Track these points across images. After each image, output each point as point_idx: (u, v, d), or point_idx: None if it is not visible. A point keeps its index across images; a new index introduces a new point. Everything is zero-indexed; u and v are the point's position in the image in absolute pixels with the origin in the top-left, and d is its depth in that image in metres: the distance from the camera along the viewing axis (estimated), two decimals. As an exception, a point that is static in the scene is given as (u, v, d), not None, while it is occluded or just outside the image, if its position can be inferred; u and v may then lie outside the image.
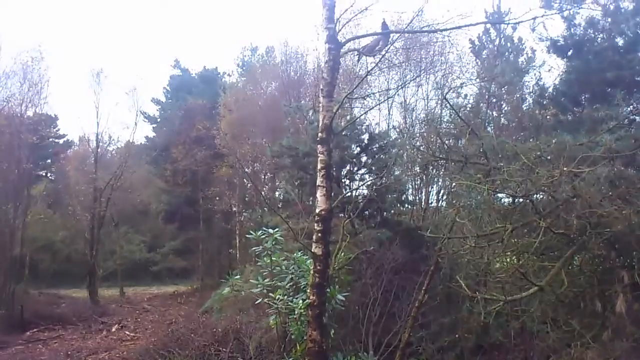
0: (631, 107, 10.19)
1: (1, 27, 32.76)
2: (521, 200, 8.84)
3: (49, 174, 52.39)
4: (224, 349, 16.54)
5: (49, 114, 45.36)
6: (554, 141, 8.63)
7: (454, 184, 11.41)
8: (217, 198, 43.12)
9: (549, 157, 8.77)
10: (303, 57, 36.26)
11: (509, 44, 24.66)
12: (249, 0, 76.58)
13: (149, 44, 78.36)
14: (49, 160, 51.88)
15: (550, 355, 10.73)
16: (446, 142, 12.22)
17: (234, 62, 56.70)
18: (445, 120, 21.04)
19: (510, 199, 9.28)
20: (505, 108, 23.47)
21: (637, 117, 10.83)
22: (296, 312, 10.90)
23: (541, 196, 9.11)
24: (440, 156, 11.11)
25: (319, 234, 10.26)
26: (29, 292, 34.25)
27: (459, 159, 9.75)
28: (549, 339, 10.34)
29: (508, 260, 10.11)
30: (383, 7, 11.79)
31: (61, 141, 53.10)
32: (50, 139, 50.27)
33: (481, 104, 22.28)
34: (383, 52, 12.90)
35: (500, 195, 9.17)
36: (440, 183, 21.19)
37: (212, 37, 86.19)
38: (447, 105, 14.86)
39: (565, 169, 7.63)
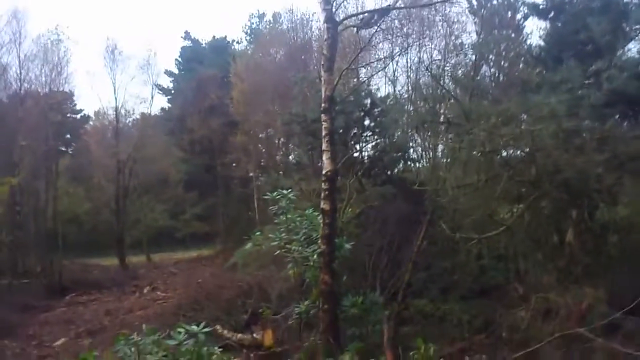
0: (583, 70, 11.26)
1: (24, 15, 34.43)
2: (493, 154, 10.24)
3: (69, 149, 53.93)
4: (249, 300, 18.39)
5: (65, 90, 46.67)
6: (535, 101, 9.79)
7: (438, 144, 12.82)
8: (234, 164, 44.60)
9: (523, 117, 10.08)
10: (308, 24, 37.11)
11: (506, 1, 25.40)
12: (253, -35, 76.30)
13: (160, 17, 78.95)
14: (68, 136, 53.20)
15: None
16: (432, 106, 13.50)
17: (242, 30, 57.54)
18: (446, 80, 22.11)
19: (481, 154, 10.60)
20: (504, 64, 24.39)
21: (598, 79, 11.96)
22: (310, 260, 12.51)
23: (510, 151, 10.50)
24: (427, 119, 12.42)
25: (326, 192, 11.76)
26: (62, 262, 36.43)
27: (442, 121, 11.13)
28: (527, 275, 11.89)
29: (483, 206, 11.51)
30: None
31: (78, 116, 54.40)
32: (68, 115, 51.57)
33: (482, 62, 23.17)
34: (378, 25, 14.11)
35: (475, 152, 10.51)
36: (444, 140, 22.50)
37: (220, 5, 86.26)
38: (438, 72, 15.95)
39: (523, 127, 8.98)
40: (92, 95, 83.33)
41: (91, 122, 54.59)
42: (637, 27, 12.33)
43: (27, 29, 35.59)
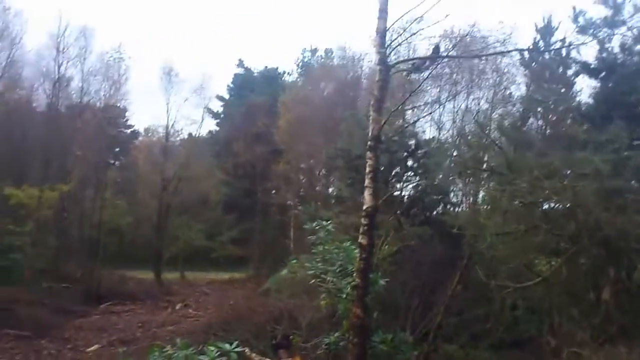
0: (630, 132, 11.36)
1: (91, 32, 36.78)
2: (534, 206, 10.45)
3: (116, 162, 55.68)
4: (279, 326, 18.65)
5: (121, 105, 48.62)
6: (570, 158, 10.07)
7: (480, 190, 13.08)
8: (274, 191, 45.34)
9: (566, 172, 10.29)
10: (359, 62, 38.03)
11: (558, 57, 25.63)
12: (310, 2, 78.83)
13: (216, 43, 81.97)
14: (117, 149, 54.88)
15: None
16: (476, 153, 13.85)
17: (294, 63, 59.29)
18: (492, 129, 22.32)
19: (522, 205, 10.82)
20: (552, 118, 24.45)
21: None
22: (344, 292, 12.76)
23: (551, 204, 10.70)
24: (471, 165, 12.75)
25: (365, 227, 12.01)
26: (101, 271, 37.48)
27: (485, 169, 11.43)
28: (561, 328, 11.86)
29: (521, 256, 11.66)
30: (431, 31, 13.21)
31: (129, 131, 56.20)
32: (120, 130, 53.42)
33: (529, 114, 23.29)
34: (429, 71, 14.57)
35: (515, 202, 10.75)
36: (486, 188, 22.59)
37: (274, 37, 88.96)
38: (486, 120, 16.30)
39: (565, 182, 9.20)
40: (143, 112, 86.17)
41: (140, 138, 56.59)
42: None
43: (92, 46, 37.83)
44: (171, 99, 44.40)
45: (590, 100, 16.10)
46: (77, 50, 36.77)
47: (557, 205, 10.72)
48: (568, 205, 9.55)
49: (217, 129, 56.78)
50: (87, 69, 37.37)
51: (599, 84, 15.21)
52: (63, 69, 36.17)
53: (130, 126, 55.56)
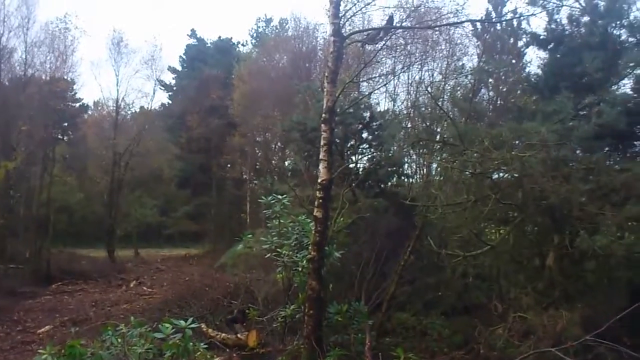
0: (576, 103, 11.71)
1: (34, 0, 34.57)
2: (483, 176, 10.70)
3: (65, 138, 53.78)
4: (235, 301, 18.61)
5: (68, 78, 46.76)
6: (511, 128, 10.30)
7: (432, 162, 13.34)
8: (229, 166, 44.94)
9: (515, 142, 10.52)
10: (314, 33, 37.67)
11: (509, 28, 25.94)
12: (263, -30, 76.96)
13: (167, 13, 79.42)
14: (66, 124, 52.95)
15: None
16: (429, 125, 14.04)
17: (248, 33, 58.24)
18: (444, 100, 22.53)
19: (472, 175, 11.07)
20: (503, 89, 24.88)
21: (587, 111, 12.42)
22: (299, 265, 12.84)
23: (501, 174, 10.99)
24: (424, 137, 12.92)
25: (320, 201, 12.09)
26: (51, 250, 36.38)
27: (438, 141, 11.60)
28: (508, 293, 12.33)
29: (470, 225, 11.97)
30: (385, 1, 13.21)
31: (77, 105, 54.24)
32: (67, 104, 51.45)
33: (481, 85, 23.62)
34: (384, 41, 14.55)
35: (466, 172, 10.98)
36: (438, 159, 22.92)
37: (227, 6, 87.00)
38: (437, 91, 16.44)
39: (513, 152, 9.43)
40: (92, 85, 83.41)
41: (89, 112, 54.76)
42: (631, 64, 12.84)
43: (36, 15, 35.90)
44: (121, 70, 43.14)
45: (539, 71, 16.42)
46: (19, 20, 34.90)
47: (505, 175, 11.06)
48: (516, 175, 9.85)
49: (170, 102, 55.48)
50: (30, 40, 35.54)
51: (547, 55, 15.53)
52: (4, 39, 34.26)
53: (78, 100, 53.68)
